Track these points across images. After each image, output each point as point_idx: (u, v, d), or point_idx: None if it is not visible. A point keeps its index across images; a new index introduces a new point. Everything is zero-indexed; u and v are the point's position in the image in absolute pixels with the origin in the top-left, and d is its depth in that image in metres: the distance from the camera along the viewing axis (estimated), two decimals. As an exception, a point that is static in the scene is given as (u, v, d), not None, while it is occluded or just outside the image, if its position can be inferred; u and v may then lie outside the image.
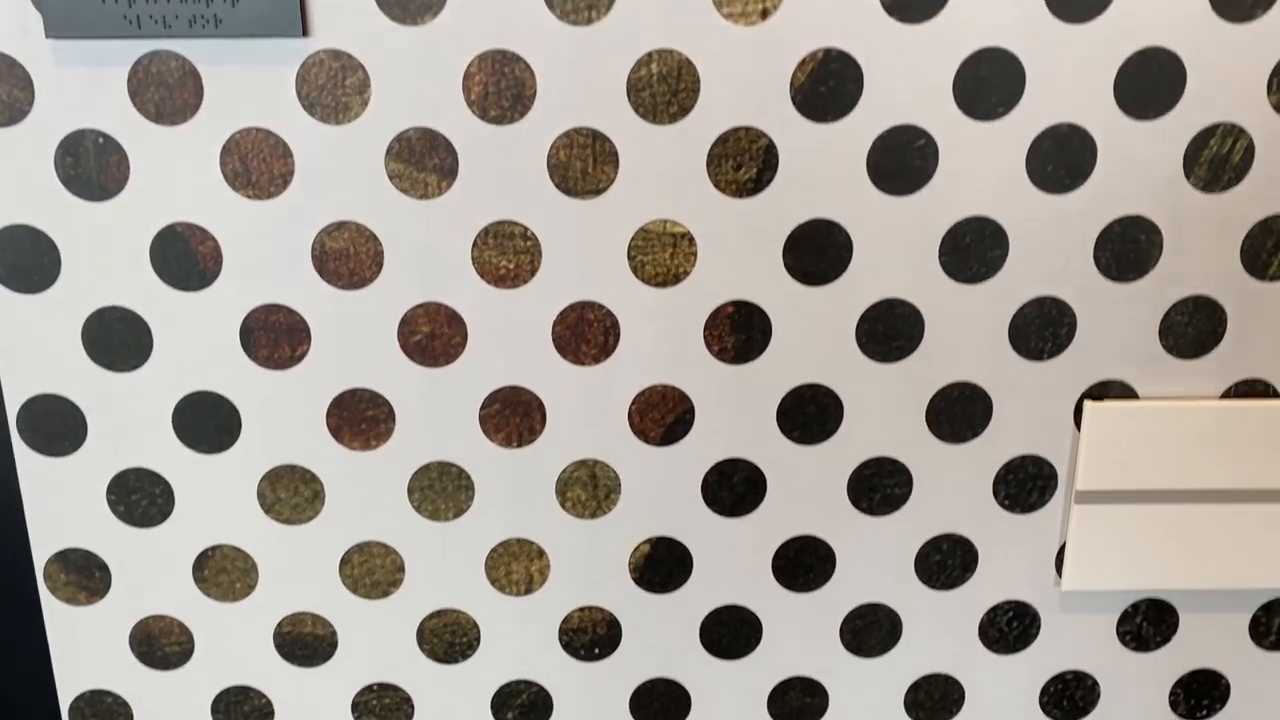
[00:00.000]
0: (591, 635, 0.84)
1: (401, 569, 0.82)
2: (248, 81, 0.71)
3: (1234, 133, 0.74)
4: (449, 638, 0.84)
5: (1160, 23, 0.71)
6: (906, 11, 0.71)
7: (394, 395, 0.78)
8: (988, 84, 0.72)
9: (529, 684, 0.85)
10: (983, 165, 0.74)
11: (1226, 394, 0.79)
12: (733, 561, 0.82)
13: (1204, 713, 0.87)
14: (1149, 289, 0.77)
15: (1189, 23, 0.71)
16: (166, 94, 0.71)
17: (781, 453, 0.80)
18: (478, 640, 0.84)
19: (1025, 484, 0.81)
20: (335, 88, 0.72)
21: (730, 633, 0.84)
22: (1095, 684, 0.86)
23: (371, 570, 0.82)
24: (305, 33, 0.70)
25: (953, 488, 0.81)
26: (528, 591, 0.83)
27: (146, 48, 0.70)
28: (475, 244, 0.75)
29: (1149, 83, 0.72)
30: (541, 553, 0.82)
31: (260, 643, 0.83)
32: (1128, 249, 0.76)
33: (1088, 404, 0.78)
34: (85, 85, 0.71)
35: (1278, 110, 0.73)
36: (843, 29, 0.71)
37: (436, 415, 0.78)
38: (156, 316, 0.76)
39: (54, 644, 0.82)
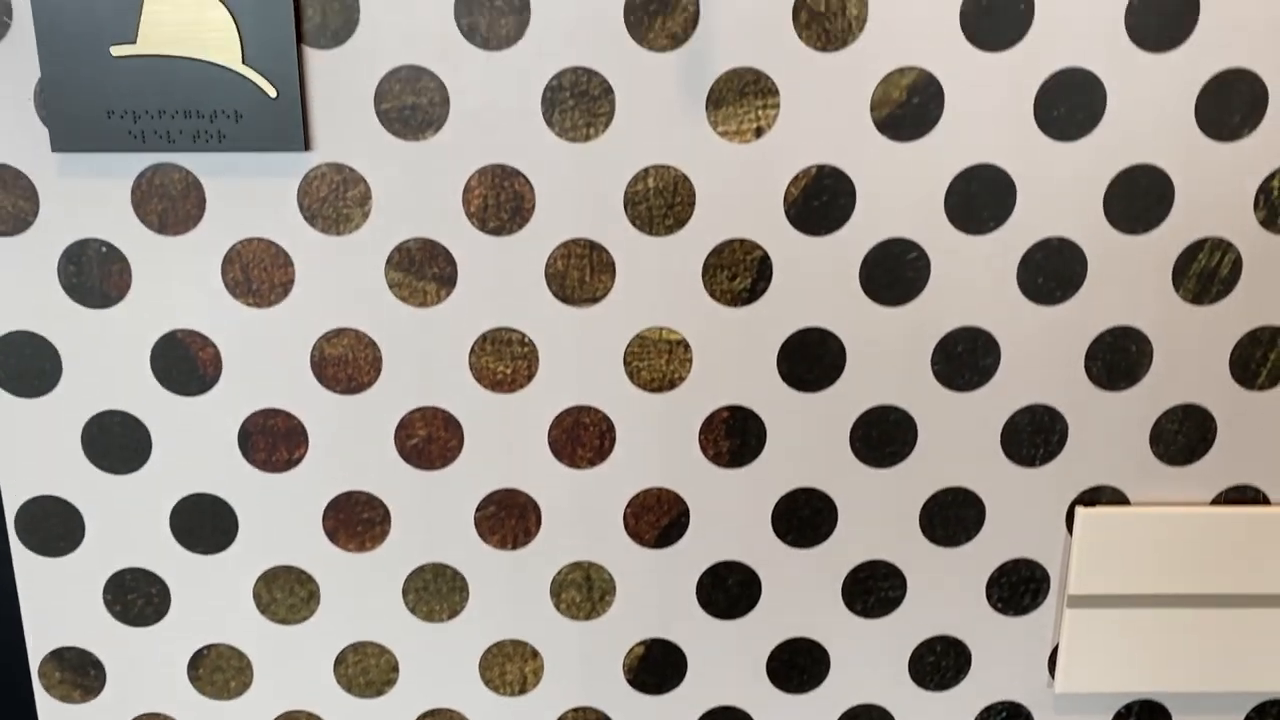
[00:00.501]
0: (585, 735, 0.84)
1: (396, 669, 0.82)
2: (250, 193, 0.72)
3: (1222, 246, 0.75)
4: (443, 737, 0.84)
5: (1149, 141, 0.72)
6: (898, 130, 0.72)
7: (390, 498, 0.78)
8: (979, 199, 0.73)
9: (522, 783, 0.85)
10: (974, 277, 0.75)
11: (1217, 500, 0.80)
12: (728, 663, 0.82)
13: (1198, 814, 0.87)
14: (1139, 397, 0.78)
15: (1177, 141, 0.72)
16: (169, 205, 0.72)
17: (776, 556, 0.80)
18: (471, 739, 0.84)
19: (1018, 587, 0.81)
20: (337, 199, 0.73)
21: (724, 733, 0.84)
22: (1089, 785, 0.86)
23: (366, 670, 0.82)
24: (307, 146, 0.71)
25: (946, 590, 0.81)
26: (522, 692, 0.83)
27: (150, 160, 0.71)
28: (473, 350, 0.76)
29: (1138, 198, 0.74)
30: (536, 653, 0.82)
31: (254, 741, 0.83)
32: (1118, 358, 0.77)
33: (1079, 510, 0.79)
34: (89, 196, 0.72)
35: (1264, 225, 0.74)
36: (835, 146, 0.72)
37: (432, 517, 0.79)
38: (156, 420, 0.76)
39: (47, 742, 0.82)
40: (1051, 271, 0.75)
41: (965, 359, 0.77)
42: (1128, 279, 0.75)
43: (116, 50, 0.69)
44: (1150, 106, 0.72)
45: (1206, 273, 0.75)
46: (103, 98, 0.69)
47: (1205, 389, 0.78)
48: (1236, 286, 0.76)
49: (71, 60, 0.69)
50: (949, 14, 0.70)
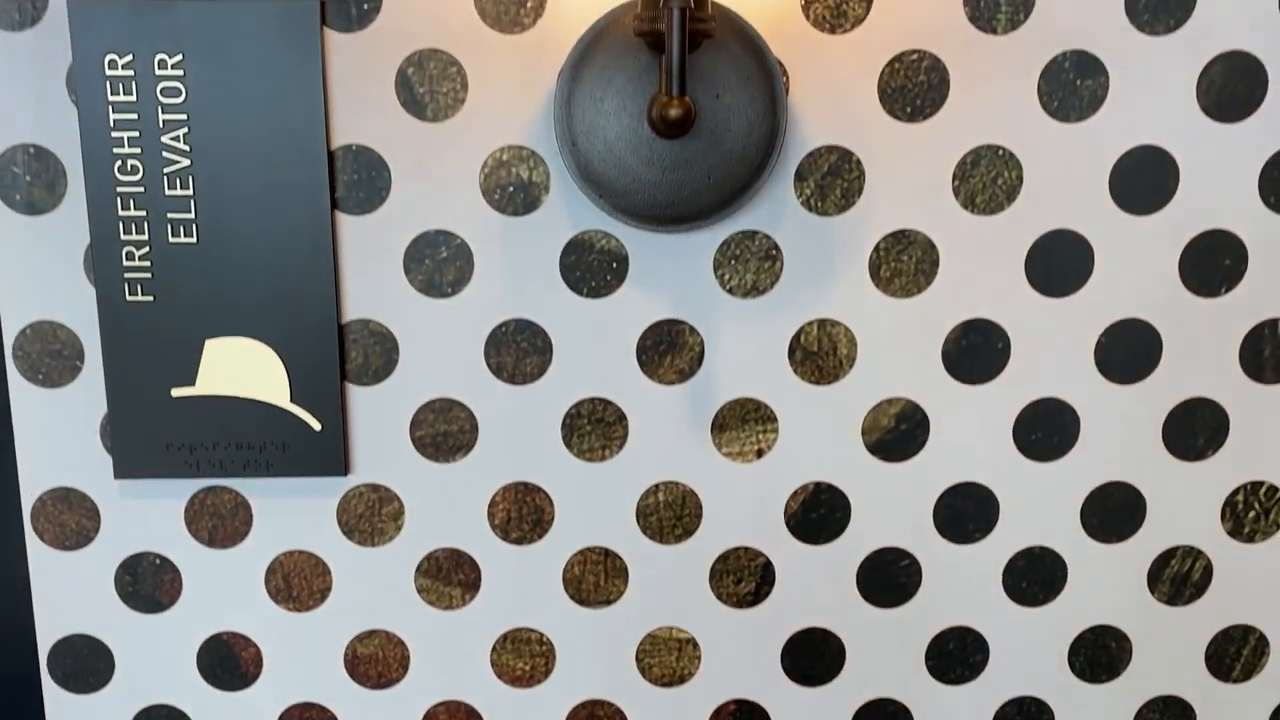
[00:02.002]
0: None
1: None
2: (293, 512, 0.79)
3: (1193, 554, 0.80)
4: None
5: (1121, 461, 0.78)
6: (888, 452, 0.79)
7: (416, 785, 0.83)
8: (964, 513, 0.80)
9: None
10: (962, 581, 0.80)
11: (1200, 785, 0.84)
12: None
13: None
14: (1121, 689, 0.82)
15: (1146, 461, 0.79)
16: (219, 522, 0.79)
17: (781, 838, 0.84)
18: None
19: None
20: (373, 515, 0.79)
21: None
22: None
23: None
24: (347, 471, 0.78)
25: None
26: None
27: (203, 484, 0.78)
28: (494, 648, 0.81)
29: (1112, 512, 0.80)
30: None
31: None
32: (1099, 654, 0.82)
33: (1069, 796, 0.83)
34: (146, 515, 0.78)
35: (1231, 535, 0.80)
36: (831, 466, 0.79)
37: (456, 803, 0.83)
38: (200, 713, 0.82)
39: None
40: (1034, 576, 0.81)
41: (956, 655, 0.82)
42: (1105, 583, 0.81)
43: (177, 392, 0.76)
44: (1120, 431, 0.78)
45: (1179, 577, 0.81)
46: (163, 432, 0.76)
47: (1184, 684, 0.82)
48: (1208, 589, 0.81)
49: (136, 399, 0.76)
50: (932, 352, 0.77)
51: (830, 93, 0.74)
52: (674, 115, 0.63)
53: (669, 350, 0.77)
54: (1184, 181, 0.75)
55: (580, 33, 0.72)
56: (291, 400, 0.76)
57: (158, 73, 0.71)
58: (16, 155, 0.73)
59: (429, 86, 0.73)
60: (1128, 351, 0.78)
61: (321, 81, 0.72)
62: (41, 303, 0.75)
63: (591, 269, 0.76)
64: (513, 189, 0.75)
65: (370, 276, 0.75)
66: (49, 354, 0.76)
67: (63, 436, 0.77)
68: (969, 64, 0.73)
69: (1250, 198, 0.76)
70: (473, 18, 0.72)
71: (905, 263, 0.76)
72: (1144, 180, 0.75)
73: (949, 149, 0.75)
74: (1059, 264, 0.76)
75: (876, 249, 0.76)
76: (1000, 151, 0.75)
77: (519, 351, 0.77)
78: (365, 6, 0.72)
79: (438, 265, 0.76)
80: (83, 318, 0.75)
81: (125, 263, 0.74)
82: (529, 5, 0.72)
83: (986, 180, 0.75)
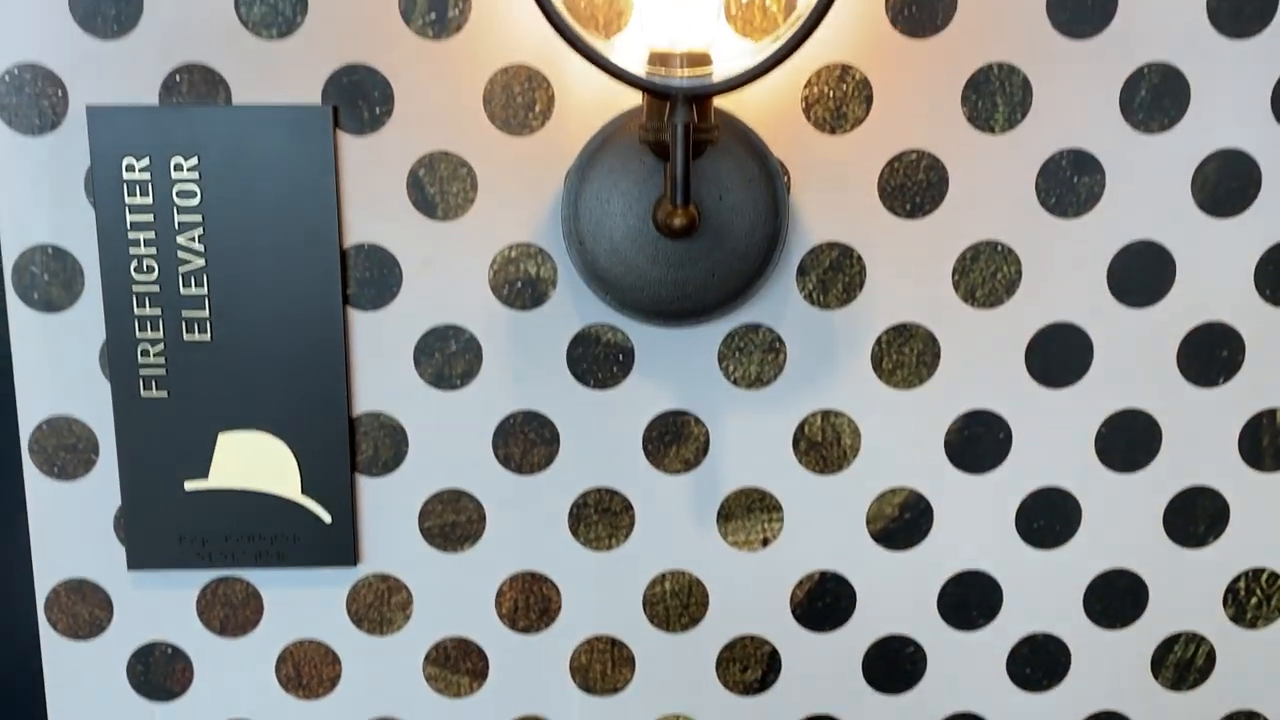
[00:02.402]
0: None
1: None
2: (304, 601, 0.79)
3: (1196, 640, 0.81)
4: None
5: (1122, 549, 0.79)
6: (892, 540, 0.80)
7: None
8: (969, 600, 0.80)
9: None
10: (968, 667, 0.81)
11: None
12: None
13: None
14: (1128, 774, 0.83)
15: (1148, 549, 0.79)
16: (231, 612, 0.80)
17: None
18: None
19: None
20: (382, 605, 0.80)
21: None
22: None
23: None
24: (356, 561, 0.79)
25: None
26: None
27: (215, 575, 0.79)
28: (503, 735, 0.82)
29: (1115, 599, 0.80)
30: None
31: None
32: (1106, 741, 0.82)
33: None
34: (158, 605, 0.79)
35: (1234, 621, 0.81)
36: (836, 555, 0.80)
37: None
38: (208, 801, 0.82)
39: None
40: (1038, 662, 0.81)
41: (962, 742, 0.82)
42: (1109, 668, 0.81)
43: (190, 485, 0.77)
44: (1121, 519, 0.79)
45: (1183, 663, 0.81)
46: (176, 524, 0.77)
47: (1189, 768, 0.83)
48: (1211, 674, 0.82)
49: (150, 492, 0.77)
50: (934, 442, 0.78)
51: (831, 191, 0.75)
52: (679, 225, 0.65)
53: (675, 441, 0.78)
54: (1180, 275, 0.77)
55: (587, 137, 0.73)
56: (303, 492, 0.77)
57: (174, 175, 0.73)
58: (35, 255, 0.75)
59: (439, 187, 0.75)
60: (1128, 441, 0.79)
61: (334, 182, 0.74)
62: (58, 398, 0.77)
63: (598, 361, 0.77)
64: (521, 284, 0.76)
65: (381, 370, 0.77)
66: (64, 448, 0.77)
67: (77, 529, 0.78)
68: (968, 162, 0.75)
69: (1247, 290, 0.77)
70: (483, 121, 0.74)
71: (907, 355, 0.78)
72: (1141, 274, 0.77)
73: (949, 244, 0.76)
74: (1059, 355, 0.78)
75: (878, 341, 0.77)
76: (999, 247, 0.76)
77: (526, 442, 0.78)
78: (378, 111, 0.73)
79: (447, 359, 0.77)
80: (98, 413, 0.77)
81: (140, 360, 0.75)
82: (537, 109, 0.74)
83: (986, 275, 0.77)
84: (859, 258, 0.76)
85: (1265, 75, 0.74)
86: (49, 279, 0.75)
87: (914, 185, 0.75)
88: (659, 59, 0.66)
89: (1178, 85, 0.74)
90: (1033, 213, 0.76)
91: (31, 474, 0.77)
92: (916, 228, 0.76)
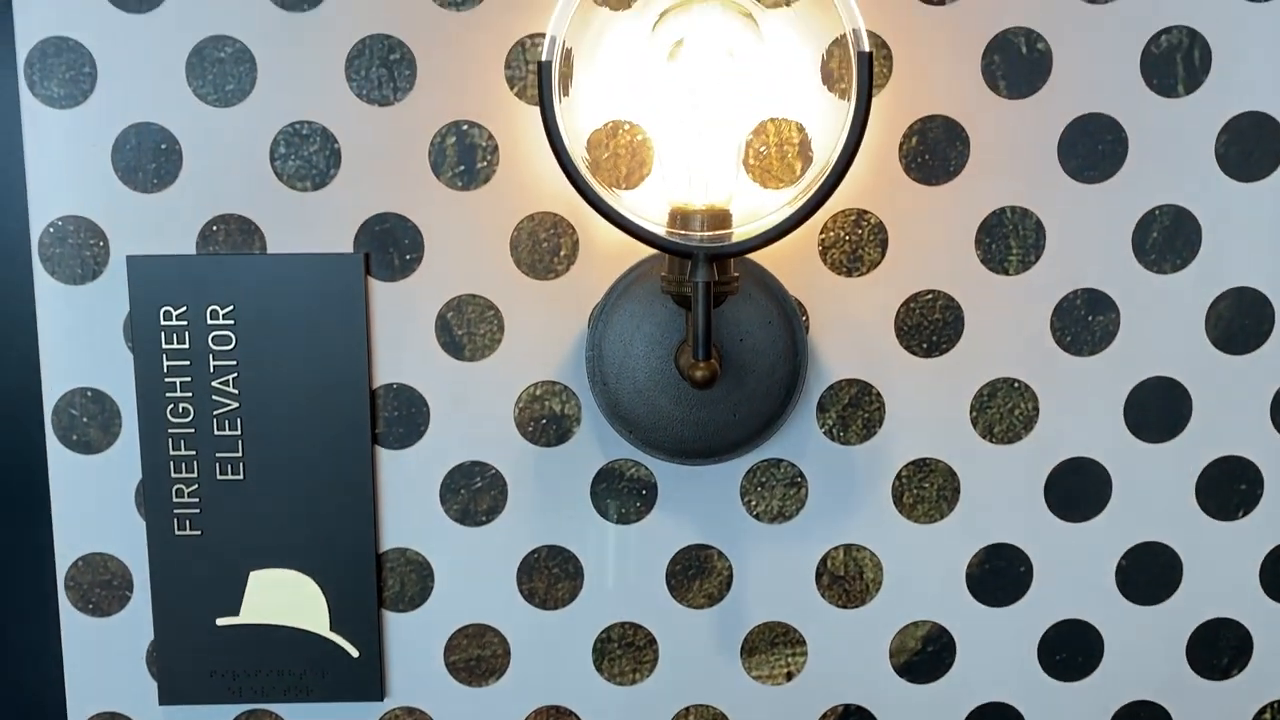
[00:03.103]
0: None
1: None
2: (331, 735, 0.80)
3: (1223, 773, 0.81)
4: None
5: (1140, 680, 0.79)
6: (916, 673, 0.80)
7: None
8: (992, 729, 0.80)
9: None
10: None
11: None
12: None
13: None
14: None
15: (1170, 681, 0.79)
16: (259, 746, 0.81)
17: None
18: None
19: None
20: (408, 738, 0.81)
21: None
22: None
23: None
24: (383, 696, 0.80)
25: None
26: None
27: (245, 709, 0.80)
28: None
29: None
30: None
31: None
32: None
33: None
34: (188, 739, 0.80)
35: (1262, 754, 0.81)
36: (860, 688, 0.80)
37: None
38: None
39: None
40: (1065, 796, 0.81)
41: None
42: (1138, 802, 0.81)
43: (222, 621, 0.78)
44: (1143, 651, 0.80)
45: (1214, 798, 0.81)
46: (207, 660, 0.79)
47: None
48: (1243, 807, 0.81)
49: (182, 627, 0.78)
50: (956, 576, 0.79)
51: (848, 330, 0.77)
52: (700, 378, 0.66)
53: (698, 575, 0.79)
54: (1197, 410, 0.78)
55: (611, 280, 0.75)
56: (331, 628, 0.79)
57: (209, 323, 0.75)
58: (75, 398, 0.77)
59: (467, 329, 0.77)
60: (1149, 574, 0.79)
61: (365, 326, 0.76)
62: (94, 536, 0.78)
63: (622, 496, 0.78)
64: (545, 421, 0.78)
65: (408, 507, 0.78)
66: (99, 584, 0.79)
67: (110, 663, 0.79)
68: (983, 303, 0.76)
69: (1263, 425, 0.78)
70: (509, 266, 0.76)
71: (927, 490, 0.79)
72: (1158, 409, 0.78)
73: (966, 383, 0.77)
74: (1078, 490, 0.78)
75: (899, 476, 0.78)
76: (1016, 384, 0.77)
77: (550, 577, 0.79)
78: (408, 257, 0.76)
79: (472, 495, 0.78)
80: (133, 550, 0.78)
81: (174, 499, 0.77)
82: (562, 254, 0.76)
83: (1004, 411, 0.78)
84: (878, 394, 0.77)
85: (1275, 217, 0.75)
86: (87, 421, 0.77)
87: (930, 325, 0.77)
88: (679, 213, 0.68)
89: (1189, 227, 0.76)
90: (1048, 351, 0.77)
91: (67, 610, 0.79)
92: (934, 366, 0.77)
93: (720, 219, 0.68)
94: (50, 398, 0.77)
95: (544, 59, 0.64)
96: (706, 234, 0.68)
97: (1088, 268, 0.76)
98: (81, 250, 0.75)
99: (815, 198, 0.65)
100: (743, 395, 0.75)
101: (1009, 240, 0.76)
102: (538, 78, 0.65)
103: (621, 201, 0.68)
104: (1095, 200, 0.75)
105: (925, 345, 0.77)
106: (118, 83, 0.74)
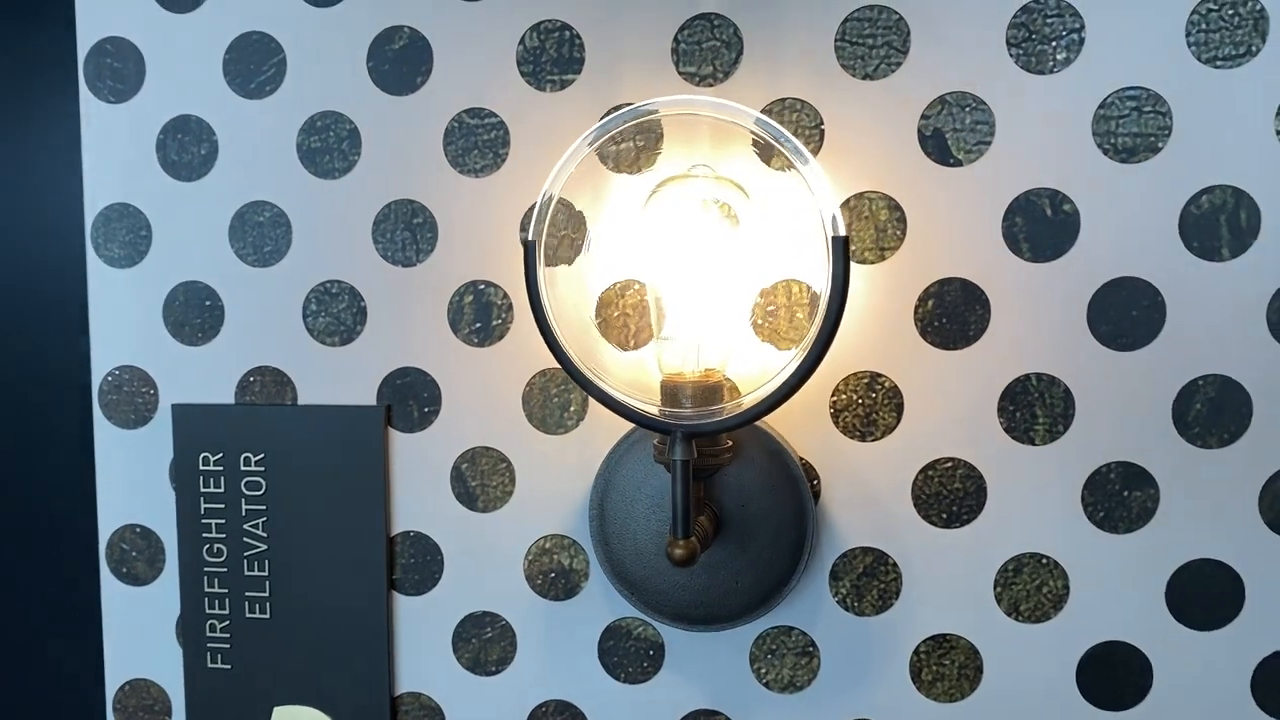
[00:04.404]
0: None
1: None
2: None
3: None
4: None
5: None
6: None
7: None
8: None
9: None
10: None
11: None
12: None
13: None
14: None
15: None
16: None
17: None
18: None
19: None
20: None
21: None
22: None
23: None
24: (395, 838, 0.81)
25: None
26: None
27: (267, 839, 0.83)
28: None
29: None
30: None
31: None
32: None
33: None
34: None
35: None
36: None
37: None
38: None
39: None
40: None
41: None
42: None
43: (246, 753, 0.82)
44: None
45: None
46: (232, 789, 0.82)
47: None
48: None
49: (212, 756, 0.82)
50: (979, 761, 0.74)
51: (863, 497, 0.74)
52: (678, 557, 0.65)
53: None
54: (1250, 594, 0.71)
55: (618, 436, 0.75)
56: (346, 767, 0.81)
57: (243, 468, 0.80)
58: (126, 533, 0.82)
59: (480, 480, 0.78)
60: (1198, 775, 0.72)
61: (384, 475, 0.79)
62: (139, 663, 0.83)
63: (629, 655, 0.78)
64: (554, 574, 0.78)
65: (422, 654, 0.80)
66: (143, 708, 0.83)
67: (148, 785, 0.84)
68: (1006, 473, 0.72)
69: (1330, 618, 0.70)
70: (521, 420, 0.77)
71: (948, 667, 0.74)
72: (1201, 597, 0.71)
73: (989, 556, 0.73)
74: (1107, 676, 0.72)
75: (917, 651, 0.75)
76: (1044, 560, 0.73)
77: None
78: (425, 410, 0.78)
79: (483, 644, 0.79)
80: (172, 678, 0.83)
81: (208, 633, 0.81)
82: (572, 409, 0.77)
83: (1030, 589, 0.73)
84: (894, 564, 0.74)
85: (1336, 392, 0.69)
86: (136, 555, 0.82)
87: (949, 494, 0.73)
88: (669, 383, 0.68)
89: (1238, 398, 0.70)
90: (1080, 527, 0.72)
91: (114, 731, 0.84)
92: (954, 537, 0.73)
93: (709, 393, 0.67)
94: (105, 532, 0.83)
95: (529, 238, 0.65)
96: (691, 410, 0.67)
97: (1121, 438, 0.71)
98: (134, 397, 0.81)
99: (790, 382, 0.63)
100: (745, 562, 0.73)
101: (1034, 409, 0.72)
102: (524, 256, 0.66)
103: (609, 372, 0.68)
104: (1130, 368, 0.70)
105: (945, 515, 0.73)
106: (170, 244, 0.80)
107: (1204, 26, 0.69)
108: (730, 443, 0.70)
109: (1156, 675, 0.72)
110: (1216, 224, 0.69)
